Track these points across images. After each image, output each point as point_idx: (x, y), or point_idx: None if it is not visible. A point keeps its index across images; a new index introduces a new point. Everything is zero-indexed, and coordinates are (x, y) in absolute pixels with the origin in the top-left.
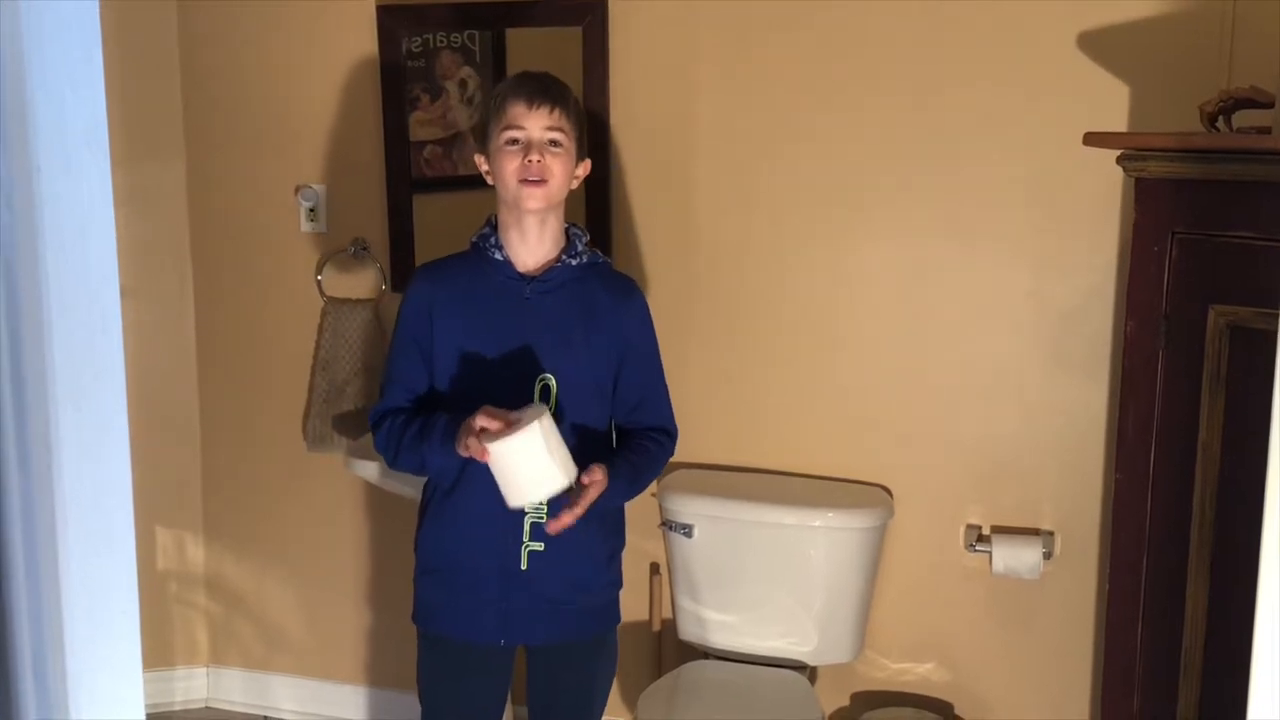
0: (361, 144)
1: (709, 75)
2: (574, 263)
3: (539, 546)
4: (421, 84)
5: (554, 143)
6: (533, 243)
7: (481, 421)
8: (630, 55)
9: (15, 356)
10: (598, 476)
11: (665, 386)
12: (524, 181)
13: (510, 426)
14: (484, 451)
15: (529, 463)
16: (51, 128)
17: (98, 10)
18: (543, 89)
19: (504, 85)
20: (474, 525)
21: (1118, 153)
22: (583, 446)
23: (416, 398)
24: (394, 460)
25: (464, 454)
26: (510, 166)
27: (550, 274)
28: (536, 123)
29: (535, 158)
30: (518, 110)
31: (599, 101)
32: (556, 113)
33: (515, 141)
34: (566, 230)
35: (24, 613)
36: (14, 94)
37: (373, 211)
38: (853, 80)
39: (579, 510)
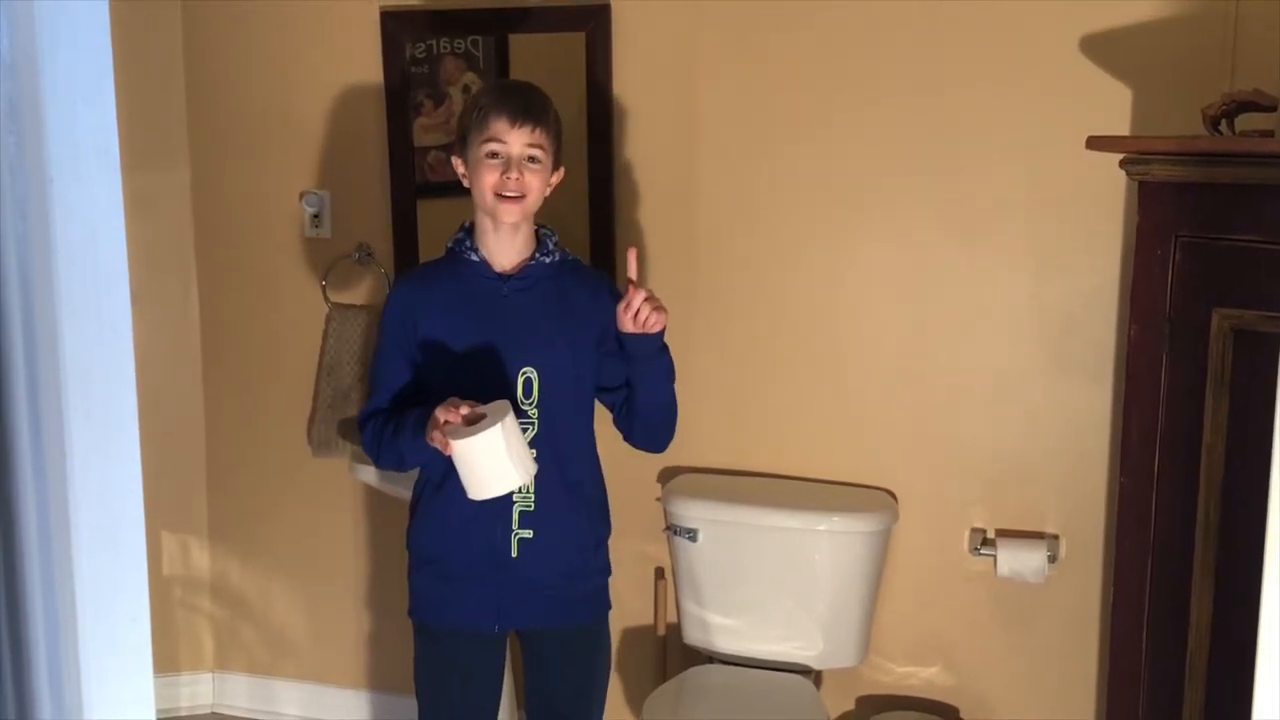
0: (365, 150)
1: (711, 79)
2: (547, 261)
3: (529, 534)
4: (425, 89)
5: (532, 159)
6: (507, 245)
7: (443, 414)
8: (633, 60)
9: (30, 364)
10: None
11: None
12: (500, 197)
13: (472, 418)
14: (446, 444)
15: (488, 461)
16: (63, 140)
17: (108, 26)
18: (525, 108)
19: (487, 98)
20: (464, 516)
21: (1120, 156)
22: (565, 436)
23: (402, 399)
24: (377, 459)
25: (432, 445)
26: (489, 180)
27: (526, 272)
28: (518, 140)
29: (514, 175)
30: (500, 126)
31: (602, 106)
32: (538, 131)
33: (495, 155)
34: (537, 231)
35: (40, 617)
36: (29, 108)
37: (377, 217)
38: (855, 84)
39: (640, 296)
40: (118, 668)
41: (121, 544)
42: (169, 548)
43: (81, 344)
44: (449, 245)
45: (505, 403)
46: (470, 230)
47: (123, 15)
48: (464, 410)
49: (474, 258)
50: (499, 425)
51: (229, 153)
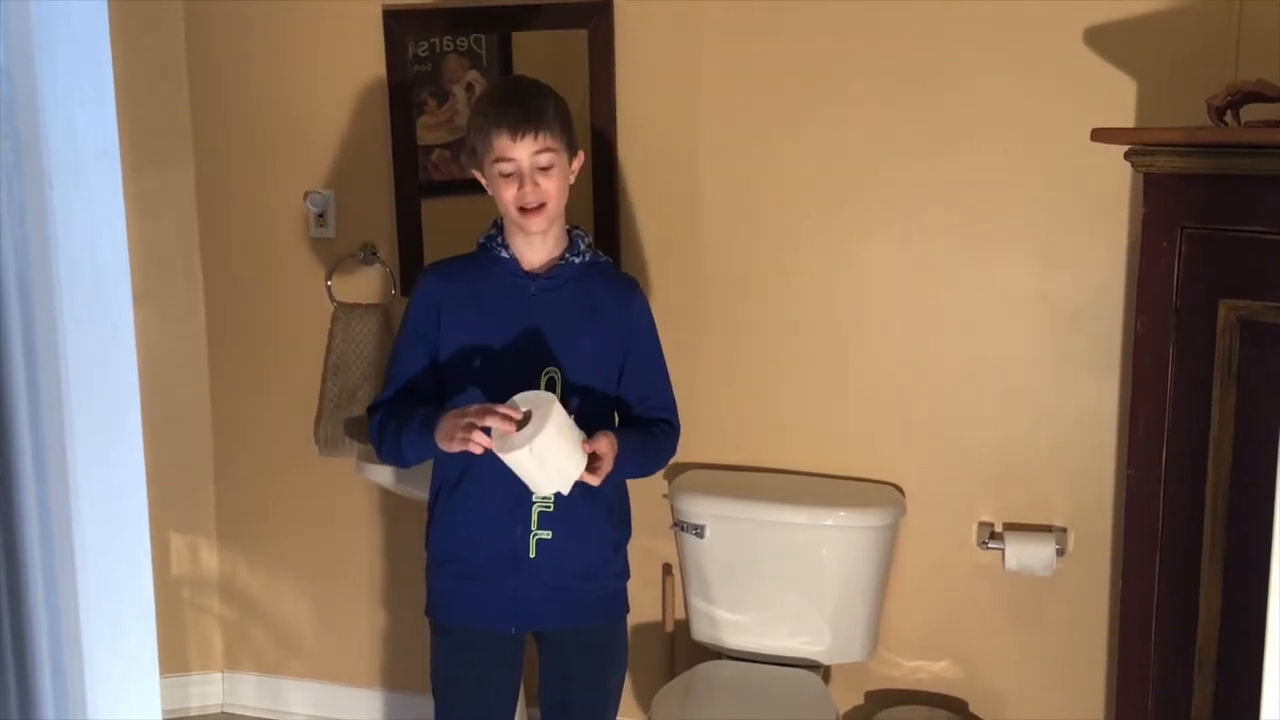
0: (369, 149)
1: (715, 76)
2: (577, 261)
3: (547, 535)
4: (428, 88)
5: (544, 166)
6: (537, 245)
7: (493, 422)
8: (636, 57)
9: (31, 369)
10: (603, 446)
11: (668, 379)
12: (523, 210)
13: (519, 421)
14: (480, 446)
15: (556, 456)
16: (63, 143)
17: (107, 28)
18: (524, 116)
19: (486, 115)
20: (483, 516)
21: (1126, 148)
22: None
23: (416, 391)
24: (378, 449)
25: (458, 449)
26: (507, 195)
27: (555, 272)
28: (524, 151)
29: (530, 187)
30: (503, 143)
31: (605, 103)
32: (542, 136)
33: (507, 172)
34: (569, 230)
35: (42, 620)
36: (26, 111)
37: (381, 216)
38: (859, 80)
39: (600, 478)
40: (122, 668)
41: (125, 544)
42: (177, 548)
43: (83, 348)
44: (480, 241)
45: (548, 394)
46: (502, 227)
47: (125, 15)
48: (510, 425)
49: (504, 254)
50: (548, 425)
51: (233, 153)
